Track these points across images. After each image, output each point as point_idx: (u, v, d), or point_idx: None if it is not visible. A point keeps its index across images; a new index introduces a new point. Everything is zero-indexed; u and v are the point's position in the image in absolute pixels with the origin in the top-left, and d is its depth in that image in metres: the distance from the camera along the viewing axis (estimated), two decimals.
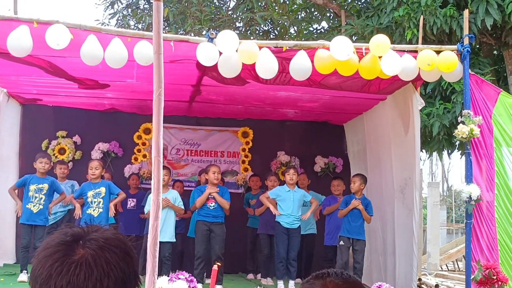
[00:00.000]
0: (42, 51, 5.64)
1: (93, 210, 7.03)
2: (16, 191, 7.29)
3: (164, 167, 7.43)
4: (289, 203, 7.33)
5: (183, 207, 7.35)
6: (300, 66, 5.75)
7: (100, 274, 1.08)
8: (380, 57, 5.78)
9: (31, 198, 7.05)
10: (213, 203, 7.10)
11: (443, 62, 5.93)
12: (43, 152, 8.21)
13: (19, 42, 5.34)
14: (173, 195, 7.28)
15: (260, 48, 5.75)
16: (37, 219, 7.03)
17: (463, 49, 6.03)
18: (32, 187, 7.09)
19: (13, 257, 8.50)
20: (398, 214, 7.37)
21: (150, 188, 5.86)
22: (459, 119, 6.15)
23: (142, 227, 7.69)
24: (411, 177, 7.05)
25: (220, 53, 5.57)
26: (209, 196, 7.13)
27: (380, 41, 5.78)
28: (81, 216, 7.01)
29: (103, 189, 7.11)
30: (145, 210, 7.33)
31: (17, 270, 7.22)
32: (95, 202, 7.08)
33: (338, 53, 5.60)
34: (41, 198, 7.09)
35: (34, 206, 7.04)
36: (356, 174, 7.74)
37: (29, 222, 7.00)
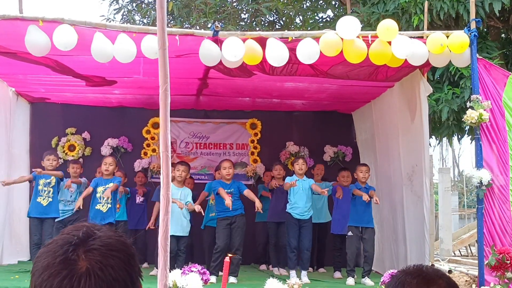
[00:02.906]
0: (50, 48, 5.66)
1: (102, 206, 7.12)
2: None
3: (183, 163, 7.52)
4: (299, 193, 7.33)
5: (192, 203, 7.32)
6: (307, 49, 5.70)
7: (109, 281, 1.08)
8: (389, 42, 5.75)
9: (40, 192, 7.26)
10: (230, 198, 7.11)
11: (454, 43, 5.87)
12: (50, 150, 8.27)
13: (37, 41, 5.40)
14: (185, 193, 7.32)
15: (266, 39, 5.74)
16: (47, 212, 7.22)
17: (470, 34, 5.98)
18: (41, 181, 7.28)
19: (27, 254, 8.58)
20: (407, 201, 7.37)
21: (159, 183, 5.91)
22: (468, 104, 6.11)
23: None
24: (418, 164, 7.03)
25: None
26: (228, 191, 7.14)
27: (388, 25, 5.74)
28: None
29: (110, 190, 7.19)
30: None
31: (31, 267, 7.29)
32: (103, 198, 7.15)
33: (345, 32, 5.55)
34: (49, 191, 7.28)
35: (43, 199, 7.24)
36: (362, 164, 7.73)
37: (38, 215, 7.18)
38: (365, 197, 7.00)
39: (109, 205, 7.14)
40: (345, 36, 5.60)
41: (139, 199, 8.52)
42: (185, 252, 7.20)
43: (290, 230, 7.32)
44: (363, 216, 7.15)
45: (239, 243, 7.03)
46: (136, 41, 5.59)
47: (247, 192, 7.22)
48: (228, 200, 6.87)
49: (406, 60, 5.89)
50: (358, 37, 5.73)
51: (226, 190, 7.11)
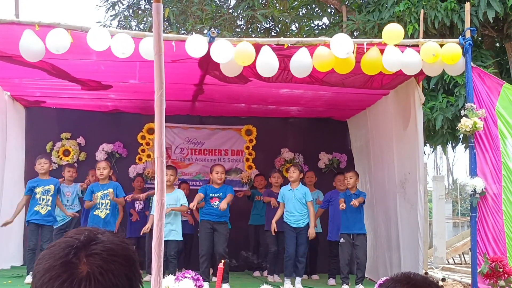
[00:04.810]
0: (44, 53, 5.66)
1: (101, 212, 7.08)
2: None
3: (170, 167, 7.45)
4: (291, 202, 7.35)
5: (187, 205, 7.30)
6: (300, 63, 5.75)
7: (109, 286, 1.08)
8: (382, 51, 5.78)
9: (38, 201, 7.07)
10: (217, 202, 7.10)
11: (447, 54, 5.92)
12: (41, 154, 8.19)
13: (32, 47, 5.39)
14: (178, 195, 7.28)
15: (261, 46, 5.76)
16: (45, 219, 7.06)
17: (464, 42, 6.01)
18: (39, 189, 7.09)
19: (20, 259, 8.54)
20: (400, 209, 7.38)
21: (154, 188, 5.90)
22: (462, 112, 6.14)
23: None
24: (411, 172, 7.05)
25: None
26: (213, 195, 7.14)
27: (392, 29, 5.80)
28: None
29: (110, 191, 7.15)
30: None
31: (24, 272, 7.25)
32: (102, 203, 7.14)
33: (338, 50, 5.60)
34: (49, 199, 7.11)
35: (42, 208, 7.06)
36: (348, 170, 7.77)
37: (36, 221, 7.02)
38: (341, 206, 7.09)
39: (108, 211, 7.12)
40: (339, 55, 5.64)
41: (138, 206, 8.41)
42: (176, 258, 7.12)
43: (288, 238, 7.35)
44: (354, 223, 7.17)
45: (224, 251, 7.00)
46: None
47: (229, 196, 7.19)
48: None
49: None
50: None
51: (214, 194, 7.13)
